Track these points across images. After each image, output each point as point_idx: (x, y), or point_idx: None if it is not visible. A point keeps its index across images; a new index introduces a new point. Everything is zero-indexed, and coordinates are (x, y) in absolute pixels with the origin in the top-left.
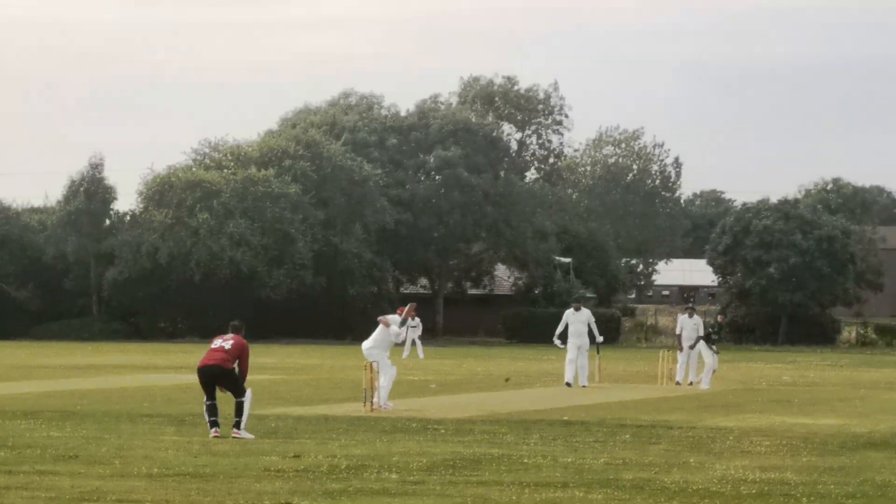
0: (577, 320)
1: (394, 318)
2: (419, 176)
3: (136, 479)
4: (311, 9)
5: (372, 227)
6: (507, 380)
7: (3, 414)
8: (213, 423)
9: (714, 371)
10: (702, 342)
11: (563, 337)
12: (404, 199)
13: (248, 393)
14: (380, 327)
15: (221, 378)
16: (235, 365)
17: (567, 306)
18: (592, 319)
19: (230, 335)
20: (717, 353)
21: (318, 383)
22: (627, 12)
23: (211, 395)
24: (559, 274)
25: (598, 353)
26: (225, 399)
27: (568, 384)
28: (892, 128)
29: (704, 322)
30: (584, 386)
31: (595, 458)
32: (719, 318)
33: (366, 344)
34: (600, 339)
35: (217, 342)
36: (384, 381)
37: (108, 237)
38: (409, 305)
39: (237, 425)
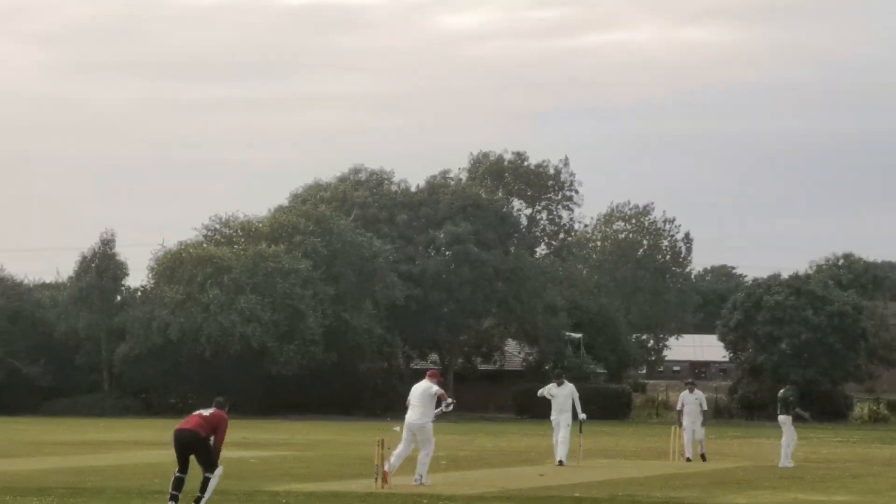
0: (560, 394)
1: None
2: (429, 251)
3: None
4: (321, 84)
5: (382, 302)
6: None
7: (14, 490)
8: (174, 498)
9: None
10: (787, 418)
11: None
12: (414, 274)
13: (219, 470)
14: (425, 397)
15: (195, 445)
16: (211, 439)
17: (577, 381)
18: (576, 395)
19: (212, 408)
20: (808, 419)
21: (329, 459)
22: (637, 88)
23: (183, 468)
24: (570, 349)
25: (580, 430)
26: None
27: (560, 462)
28: None
29: (704, 399)
30: (560, 462)
31: None
32: (791, 386)
33: (414, 415)
34: (583, 416)
35: (197, 411)
36: (424, 456)
37: (119, 313)
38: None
39: (198, 501)
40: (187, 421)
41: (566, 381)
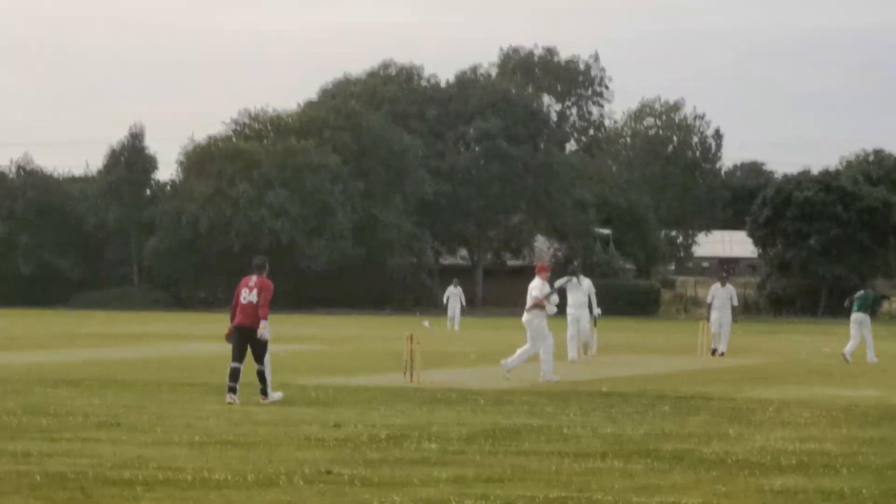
0: (578, 290)
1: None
2: (459, 147)
3: (177, 447)
4: None
5: (411, 198)
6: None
7: (45, 381)
8: (232, 389)
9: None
10: (864, 317)
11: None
12: (444, 170)
13: (266, 357)
14: (529, 296)
15: (252, 338)
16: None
17: (606, 277)
18: (593, 290)
19: (254, 278)
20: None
21: (359, 354)
22: None
23: (239, 357)
24: (599, 245)
25: (594, 325)
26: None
27: (573, 361)
28: None
29: (735, 294)
30: (592, 355)
31: (634, 428)
32: (870, 287)
33: (525, 316)
34: (598, 311)
35: (243, 294)
36: (543, 353)
37: (148, 207)
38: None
39: (263, 392)
40: (243, 313)
41: (584, 278)
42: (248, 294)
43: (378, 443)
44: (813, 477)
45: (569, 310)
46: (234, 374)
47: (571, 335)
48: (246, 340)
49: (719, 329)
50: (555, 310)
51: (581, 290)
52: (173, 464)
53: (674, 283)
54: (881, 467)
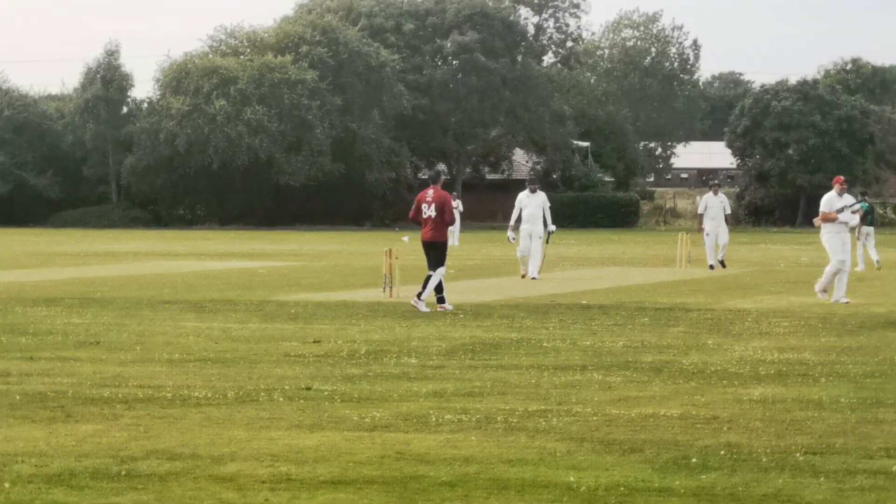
0: (532, 203)
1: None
2: (436, 61)
3: (157, 365)
4: None
5: (389, 112)
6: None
7: (24, 301)
8: (440, 300)
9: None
10: (870, 230)
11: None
12: (421, 84)
13: (441, 270)
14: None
15: (434, 249)
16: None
17: (586, 190)
18: (548, 204)
19: (430, 192)
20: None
21: (338, 269)
22: None
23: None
24: (577, 158)
25: (546, 242)
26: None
27: (523, 276)
28: None
29: (728, 202)
30: (533, 278)
31: (614, 341)
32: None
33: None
34: (552, 228)
35: (424, 210)
36: (827, 269)
37: (125, 124)
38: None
39: (419, 295)
40: (427, 228)
41: (539, 190)
42: (427, 209)
43: (358, 358)
44: (791, 386)
45: (523, 224)
46: (438, 286)
47: (523, 248)
48: (432, 252)
49: (716, 240)
50: (853, 221)
51: (535, 204)
52: (153, 382)
53: (653, 195)
54: (859, 376)
